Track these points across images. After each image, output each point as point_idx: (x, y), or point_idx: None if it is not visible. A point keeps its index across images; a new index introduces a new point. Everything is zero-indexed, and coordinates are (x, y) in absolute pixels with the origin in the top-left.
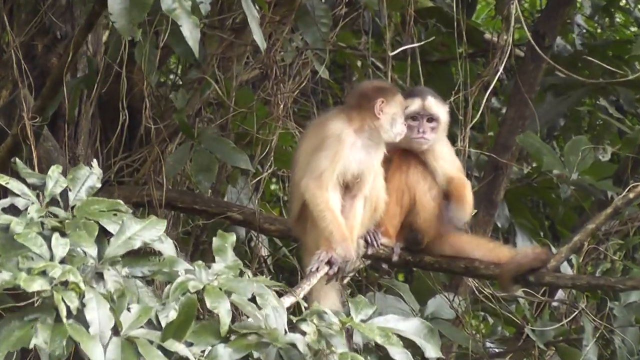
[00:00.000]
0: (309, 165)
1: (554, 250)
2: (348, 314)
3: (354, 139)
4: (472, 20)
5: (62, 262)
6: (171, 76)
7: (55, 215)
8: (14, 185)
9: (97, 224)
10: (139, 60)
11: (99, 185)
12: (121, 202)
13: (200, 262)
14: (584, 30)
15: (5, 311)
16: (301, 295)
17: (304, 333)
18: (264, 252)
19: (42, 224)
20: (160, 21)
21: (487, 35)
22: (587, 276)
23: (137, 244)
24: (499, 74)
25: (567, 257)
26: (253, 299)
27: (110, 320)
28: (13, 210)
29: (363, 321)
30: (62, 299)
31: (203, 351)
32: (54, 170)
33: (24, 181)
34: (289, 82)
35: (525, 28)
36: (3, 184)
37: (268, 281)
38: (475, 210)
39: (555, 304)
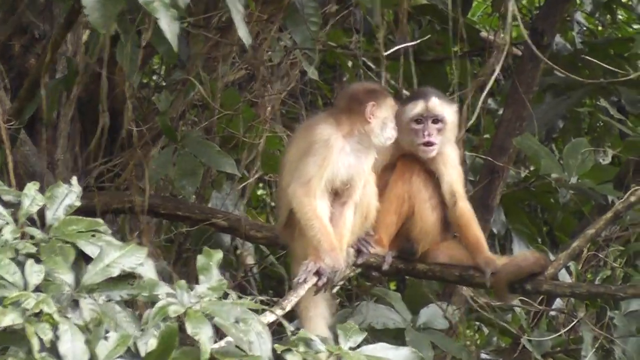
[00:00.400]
0: (297, 171)
1: (552, 257)
2: (336, 340)
3: (343, 144)
4: (467, 17)
5: (36, 289)
6: (154, 77)
7: (31, 237)
8: None
9: (75, 246)
10: (120, 60)
11: (78, 203)
12: (100, 221)
13: (182, 282)
14: (584, 28)
15: None
16: (288, 308)
17: None
18: (251, 260)
19: (17, 250)
20: (143, 19)
21: (484, 34)
22: (587, 284)
23: (115, 272)
24: (495, 73)
25: (565, 264)
26: (237, 323)
27: (85, 354)
28: None
29: (352, 349)
30: (36, 332)
31: None
32: (31, 188)
33: None
34: (276, 83)
35: (523, 26)
36: None
37: (252, 304)
38: None
39: (553, 313)
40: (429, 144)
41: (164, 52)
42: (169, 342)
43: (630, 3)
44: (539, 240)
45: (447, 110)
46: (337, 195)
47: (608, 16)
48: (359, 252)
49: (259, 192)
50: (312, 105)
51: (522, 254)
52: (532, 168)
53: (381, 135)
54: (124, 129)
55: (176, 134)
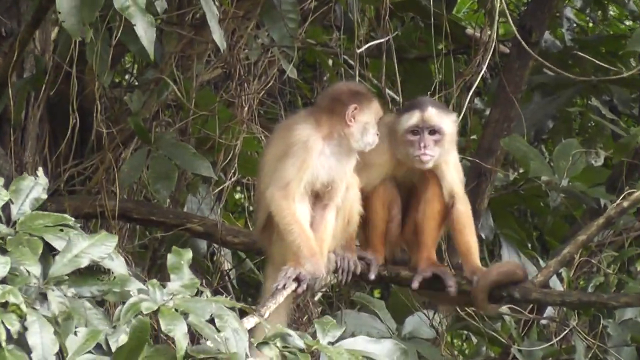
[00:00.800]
0: (275, 173)
1: (542, 263)
2: (314, 336)
3: (322, 146)
4: (452, 14)
5: (2, 282)
6: (126, 76)
7: None
8: None
9: (42, 240)
10: (90, 59)
11: (44, 196)
12: (68, 216)
13: (154, 280)
14: (575, 25)
15: None
16: (266, 315)
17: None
18: (227, 266)
19: None
20: (114, 16)
21: (469, 31)
22: (578, 292)
23: (84, 262)
24: (482, 72)
25: (556, 271)
26: (212, 321)
27: (55, 345)
28: None
29: (331, 343)
30: (2, 322)
31: None
32: None
33: None
34: (254, 82)
35: (511, 22)
36: None
37: (228, 301)
38: None
39: (544, 321)
40: (424, 155)
41: (136, 51)
42: (140, 337)
43: None
44: (529, 245)
45: (445, 120)
46: (318, 198)
47: (599, 12)
48: (338, 270)
49: (237, 195)
50: (291, 105)
51: (499, 264)
52: (521, 170)
53: (361, 141)
54: (95, 130)
55: (149, 136)
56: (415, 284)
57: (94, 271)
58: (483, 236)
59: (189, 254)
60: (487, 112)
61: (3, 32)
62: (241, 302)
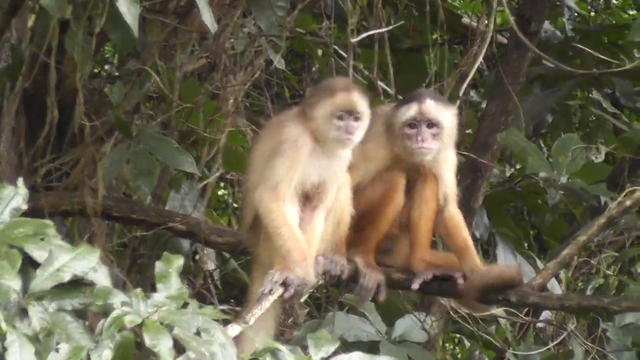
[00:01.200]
0: (264, 172)
1: (539, 263)
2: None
3: (313, 145)
4: (448, 2)
5: None
6: (106, 67)
7: None
8: None
9: (22, 251)
10: (70, 48)
11: (24, 207)
12: (49, 223)
13: (138, 291)
14: (576, 14)
15: None
16: (252, 322)
17: None
18: (211, 266)
19: None
20: (96, 3)
21: (465, 20)
22: (578, 296)
23: (66, 277)
24: (478, 63)
25: (555, 274)
26: (198, 333)
27: None
28: None
29: (324, 359)
30: None
31: None
32: None
33: None
34: (240, 73)
35: (509, 11)
36: None
37: (215, 313)
38: None
39: (540, 324)
40: (423, 148)
41: (117, 40)
42: (124, 354)
43: None
44: (526, 245)
45: (444, 113)
46: (308, 199)
47: (601, 1)
48: (325, 274)
49: (221, 192)
50: (279, 97)
51: (501, 268)
52: (518, 166)
53: (325, 137)
54: (75, 123)
55: (130, 129)
56: (415, 285)
57: (76, 283)
58: (477, 235)
59: (179, 261)
60: (484, 105)
61: None
62: (225, 304)
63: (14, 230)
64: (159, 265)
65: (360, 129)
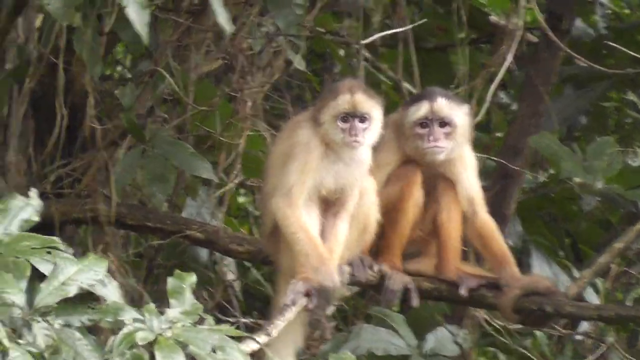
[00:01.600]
0: (279, 178)
1: (575, 273)
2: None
3: (325, 149)
4: None
5: None
6: (118, 68)
7: None
8: None
9: (29, 264)
10: (79, 49)
11: (36, 218)
12: (58, 240)
13: (151, 306)
14: (609, 11)
15: None
16: (274, 334)
17: None
18: (231, 277)
19: None
20: (105, 2)
21: (494, 18)
22: (615, 306)
23: (72, 291)
24: (507, 63)
25: (590, 283)
26: (214, 351)
27: None
28: None
29: None
30: None
31: None
32: None
33: None
34: (258, 74)
35: (538, 9)
36: None
37: (232, 330)
38: None
39: (578, 337)
40: (435, 147)
41: (128, 40)
42: None
43: None
44: (561, 253)
45: (456, 111)
46: (329, 205)
47: None
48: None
49: (240, 199)
50: (299, 100)
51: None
52: (551, 171)
53: (330, 140)
54: (85, 127)
55: (144, 133)
56: (464, 291)
57: (84, 297)
58: (511, 243)
59: (192, 278)
60: (514, 107)
61: None
62: (247, 317)
63: (20, 243)
64: (170, 282)
65: (369, 130)
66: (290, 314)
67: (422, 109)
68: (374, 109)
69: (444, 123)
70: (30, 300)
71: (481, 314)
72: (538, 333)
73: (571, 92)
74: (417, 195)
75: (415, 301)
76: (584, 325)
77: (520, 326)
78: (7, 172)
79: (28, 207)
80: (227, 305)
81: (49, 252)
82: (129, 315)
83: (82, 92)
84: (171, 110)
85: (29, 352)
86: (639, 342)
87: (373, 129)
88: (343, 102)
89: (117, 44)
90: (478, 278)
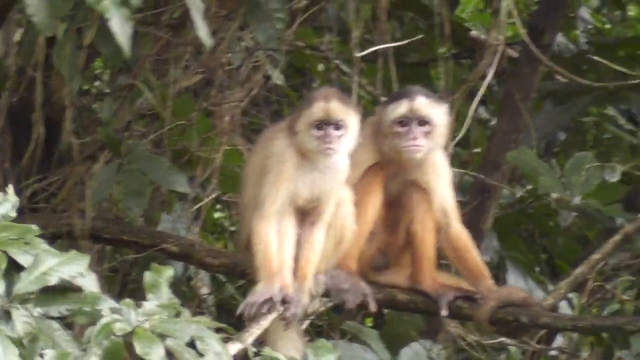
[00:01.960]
0: (254, 191)
1: (551, 288)
2: None
3: (301, 159)
4: (456, 14)
5: None
6: (96, 82)
7: None
8: None
9: (6, 254)
10: (58, 63)
11: (13, 214)
12: (36, 228)
13: (128, 300)
14: (590, 26)
15: None
16: (249, 341)
17: None
18: (205, 291)
19: None
20: (85, 16)
21: (474, 33)
22: (591, 317)
23: (53, 280)
24: (488, 78)
25: (566, 294)
26: (192, 344)
27: None
28: None
29: None
30: None
31: None
32: None
33: None
34: (236, 89)
35: (518, 23)
36: None
37: (210, 322)
38: None
39: (553, 352)
40: (413, 146)
41: (108, 54)
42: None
43: None
44: (537, 269)
45: (436, 110)
46: (305, 214)
47: (617, 12)
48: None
49: (216, 214)
50: (278, 114)
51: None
52: (529, 187)
53: (305, 148)
54: (63, 141)
55: (121, 148)
56: (445, 311)
57: (63, 289)
58: (487, 259)
59: (169, 272)
60: (493, 122)
61: None
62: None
63: None
64: (148, 276)
65: (344, 138)
66: (266, 321)
67: (401, 108)
68: (349, 116)
69: (423, 122)
70: (8, 291)
71: (456, 328)
72: (512, 348)
73: (551, 108)
74: (376, 194)
75: (372, 305)
76: (559, 340)
77: (494, 341)
78: None
79: (6, 202)
80: None
81: (27, 243)
82: (106, 305)
83: (59, 106)
84: (149, 125)
85: (9, 337)
86: (614, 357)
87: (348, 136)
88: (317, 109)
89: (95, 59)
90: (454, 290)
